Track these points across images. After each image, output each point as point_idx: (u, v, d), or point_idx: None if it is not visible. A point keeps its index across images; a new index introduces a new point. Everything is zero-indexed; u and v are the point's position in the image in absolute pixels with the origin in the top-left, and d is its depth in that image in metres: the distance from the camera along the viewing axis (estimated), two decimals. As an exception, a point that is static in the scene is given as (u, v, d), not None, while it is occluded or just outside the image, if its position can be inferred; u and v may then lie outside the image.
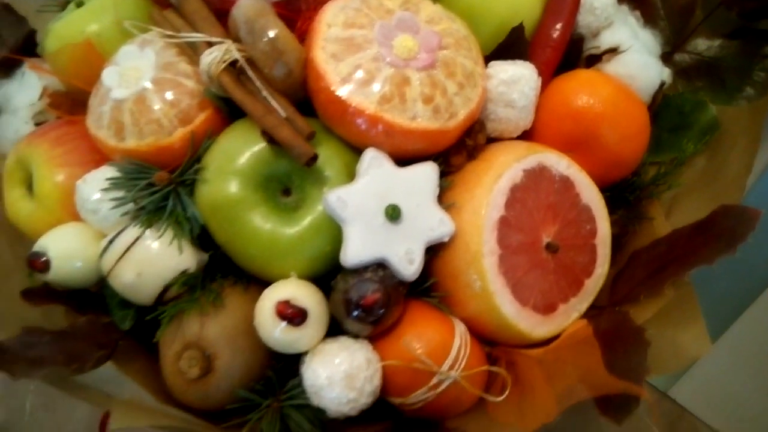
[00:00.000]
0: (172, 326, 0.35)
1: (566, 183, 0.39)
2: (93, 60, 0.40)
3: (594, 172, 0.40)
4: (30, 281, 0.41)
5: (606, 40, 0.42)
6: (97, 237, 0.38)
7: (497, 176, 0.36)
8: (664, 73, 0.43)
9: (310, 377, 0.34)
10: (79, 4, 0.44)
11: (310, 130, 0.34)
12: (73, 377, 0.33)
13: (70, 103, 0.44)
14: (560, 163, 0.38)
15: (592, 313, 0.39)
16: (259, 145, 0.35)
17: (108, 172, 0.37)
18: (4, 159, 0.47)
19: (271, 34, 0.33)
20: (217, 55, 0.35)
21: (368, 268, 0.34)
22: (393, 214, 0.33)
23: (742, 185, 0.40)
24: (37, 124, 0.45)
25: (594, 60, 0.42)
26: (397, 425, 0.38)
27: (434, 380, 0.35)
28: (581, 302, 0.39)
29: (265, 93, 0.35)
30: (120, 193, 0.37)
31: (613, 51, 0.42)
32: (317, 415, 0.36)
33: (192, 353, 0.34)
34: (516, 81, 0.37)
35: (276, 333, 0.34)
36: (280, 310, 0.33)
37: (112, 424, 0.32)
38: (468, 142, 0.37)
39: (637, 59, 0.42)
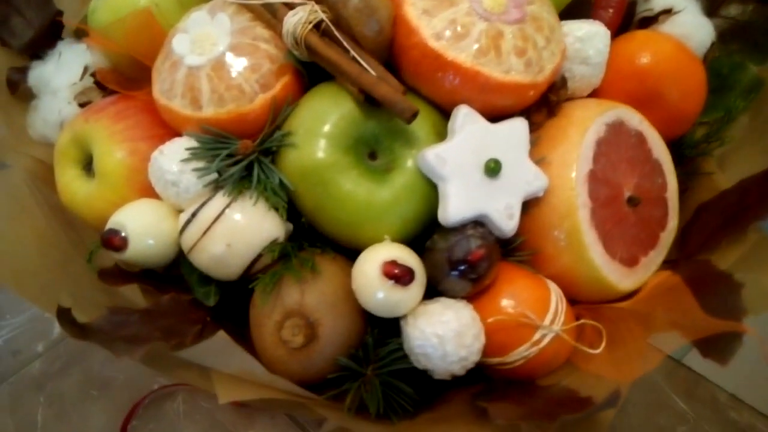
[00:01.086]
0: (269, 297, 0.34)
1: (640, 138, 0.39)
2: (152, 30, 0.39)
3: (657, 129, 0.41)
4: (90, 266, 0.39)
5: (659, 2, 0.43)
6: (171, 212, 0.37)
7: (584, 130, 0.36)
8: (713, 34, 0.45)
9: (417, 338, 0.33)
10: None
11: (402, 87, 0.34)
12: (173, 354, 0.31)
13: (119, 79, 0.42)
14: (634, 118, 0.39)
15: (667, 266, 0.40)
16: (349, 107, 0.35)
17: (186, 142, 0.36)
18: (44, 145, 0.45)
19: (363, -11, 0.33)
20: (302, 15, 0.34)
21: (467, 226, 0.34)
22: (494, 168, 0.33)
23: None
24: (81, 105, 0.43)
25: (649, 21, 0.43)
26: (490, 387, 0.37)
27: (537, 335, 0.35)
28: (658, 255, 0.40)
29: (353, 53, 0.34)
30: (200, 164, 0.35)
31: (668, 12, 0.43)
32: (417, 379, 0.35)
33: (295, 321, 0.33)
34: (591, 38, 0.38)
35: (380, 295, 0.33)
36: (387, 270, 0.32)
37: (220, 399, 0.30)
38: (552, 98, 0.37)
39: (691, 20, 0.43)
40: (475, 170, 0.34)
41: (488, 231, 0.34)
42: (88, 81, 0.44)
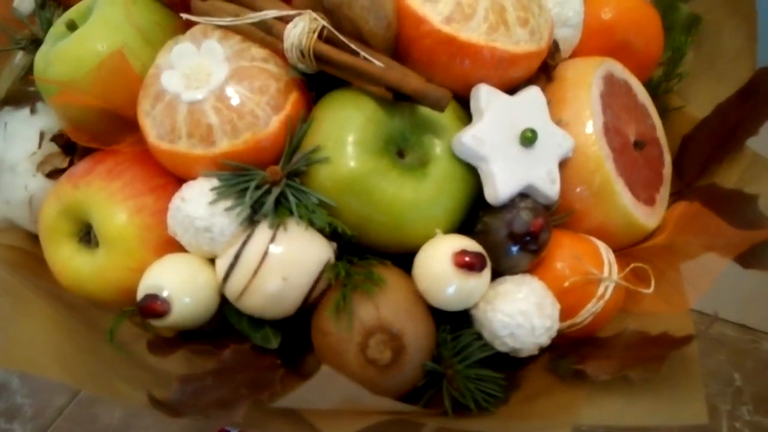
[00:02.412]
0: (343, 320, 0.32)
1: (626, 86, 0.41)
2: (127, 76, 0.36)
3: (631, 76, 0.43)
4: (112, 345, 0.35)
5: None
6: (204, 262, 0.34)
7: (588, 87, 0.38)
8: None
9: (501, 320, 0.33)
10: (71, 26, 0.38)
11: (424, 78, 0.33)
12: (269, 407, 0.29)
13: (94, 135, 0.38)
14: (617, 69, 0.41)
15: (674, 198, 0.43)
16: (371, 109, 0.34)
17: (206, 183, 0.33)
18: (11, 230, 0.40)
19: (368, -13, 0.32)
20: (304, 25, 0.33)
21: (515, 200, 0.34)
22: (531, 137, 0.34)
23: (751, 54, 0.45)
24: (49, 175, 0.39)
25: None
26: (561, 351, 0.38)
27: (600, 289, 0.35)
28: (665, 191, 0.42)
29: (363, 54, 0.33)
30: (229, 203, 0.33)
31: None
32: (498, 363, 0.35)
33: (379, 338, 0.31)
34: (568, 0, 0.39)
35: (452, 288, 0.32)
36: (459, 260, 0.31)
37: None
38: (550, 63, 0.38)
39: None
40: (512, 144, 0.34)
41: (535, 200, 0.35)
42: (49, 147, 0.40)
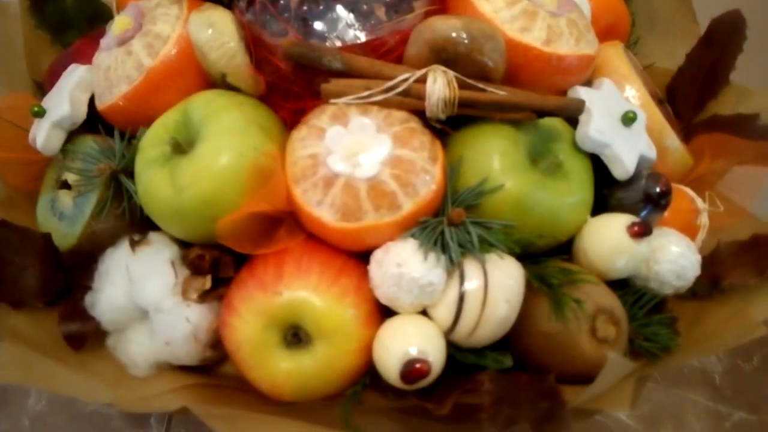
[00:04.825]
0: (567, 313, 0.36)
1: (628, 54, 0.50)
2: (273, 174, 0.36)
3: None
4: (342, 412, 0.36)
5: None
6: (423, 317, 0.36)
7: (627, 65, 0.46)
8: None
9: (668, 269, 0.39)
10: (177, 146, 0.37)
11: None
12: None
13: (248, 241, 0.37)
14: (622, 45, 0.50)
15: (685, 131, 0.53)
16: (511, 134, 0.38)
17: (405, 245, 0.35)
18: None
19: (486, 29, 0.36)
20: (442, 80, 0.36)
21: (636, 170, 0.41)
22: (634, 117, 0.40)
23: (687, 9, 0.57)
24: (202, 299, 0.37)
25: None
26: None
27: (702, 219, 0.44)
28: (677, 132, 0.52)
29: (490, 89, 0.37)
30: (433, 253, 0.35)
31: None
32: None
33: (602, 318, 0.36)
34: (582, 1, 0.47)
35: (623, 260, 0.38)
36: (634, 231, 0.37)
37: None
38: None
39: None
40: (618, 126, 0.40)
41: (648, 166, 0.41)
42: (183, 272, 0.38)
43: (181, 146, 0.37)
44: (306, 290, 0.35)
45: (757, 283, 0.40)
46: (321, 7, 0.39)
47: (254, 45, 0.38)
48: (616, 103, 0.42)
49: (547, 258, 0.39)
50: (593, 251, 0.39)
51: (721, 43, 0.52)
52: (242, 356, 0.35)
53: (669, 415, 0.59)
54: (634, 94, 0.45)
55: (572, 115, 0.38)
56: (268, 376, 0.35)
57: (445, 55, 0.37)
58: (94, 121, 0.43)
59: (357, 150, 0.35)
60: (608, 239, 0.38)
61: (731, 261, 0.43)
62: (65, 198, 0.41)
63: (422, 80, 0.36)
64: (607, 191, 0.41)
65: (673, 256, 0.39)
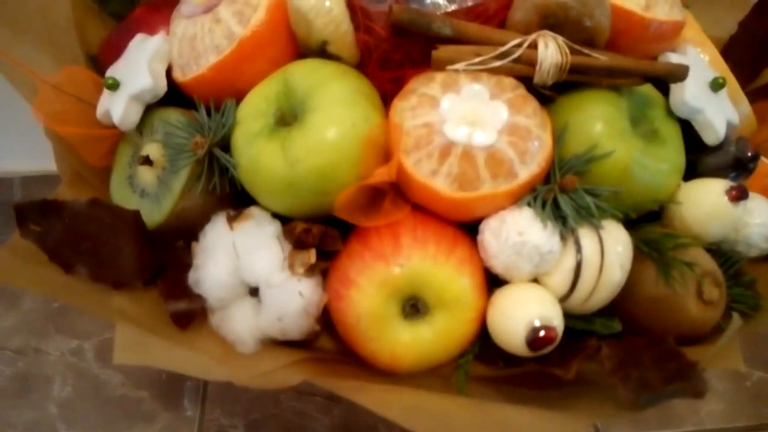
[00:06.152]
0: (674, 277, 0.37)
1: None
2: (382, 145, 0.35)
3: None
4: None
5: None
6: (538, 285, 0.36)
7: (697, 28, 0.46)
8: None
9: (758, 232, 0.40)
10: (282, 119, 0.36)
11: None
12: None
13: (361, 213, 0.36)
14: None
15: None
16: (615, 100, 0.38)
17: (523, 213, 0.35)
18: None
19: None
20: (553, 45, 0.36)
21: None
22: (722, 83, 0.41)
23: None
24: (308, 274, 0.37)
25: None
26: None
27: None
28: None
29: (595, 54, 0.37)
30: (551, 222, 0.35)
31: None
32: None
33: (707, 280, 0.37)
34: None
35: (726, 219, 0.39)
36: (734, 194, 0.38)
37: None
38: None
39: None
40: (707, 92, 0.41)
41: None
42: (287, 247, 0.37)
43: (285, 118, 0.36)
44: (427, 262, 0.34)
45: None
46: (422, -26, 0.38)
47: (353, 12, 0.37)
48: (702, 69, 0.42)
49: (645, 224, 0.40)
50: (690, 216, 0.39)
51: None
52: (362, 329, 0.35)
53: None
54: (709, 60, 0.45)
55: (677, 81, 0.38)
56: (388, 348, 0.35)
57: (553, 20, 0.36)
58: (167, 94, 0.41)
59: (473, 118, 0.35)
60: (706, 204, 0.39)
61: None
62: (147, 174, 0.40)
63: (532, 46, 0.36)
64: (693, 157, 0.42)
65: (762, 219, 0.40)
